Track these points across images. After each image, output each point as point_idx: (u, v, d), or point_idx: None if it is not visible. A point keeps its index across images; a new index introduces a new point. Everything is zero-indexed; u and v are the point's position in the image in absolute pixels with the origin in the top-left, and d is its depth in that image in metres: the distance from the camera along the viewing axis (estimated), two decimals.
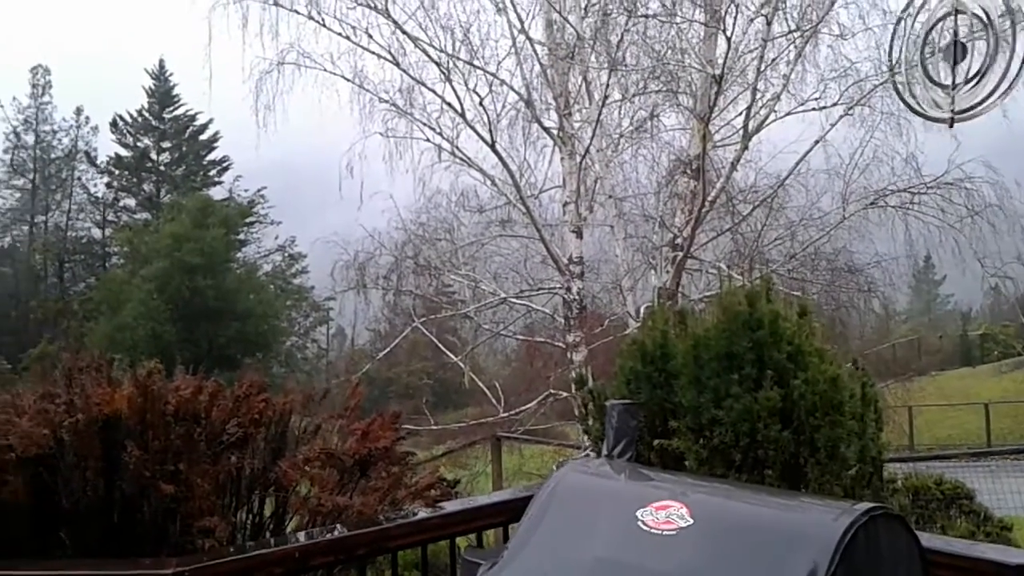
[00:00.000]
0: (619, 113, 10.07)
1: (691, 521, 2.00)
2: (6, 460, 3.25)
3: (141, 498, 3.22)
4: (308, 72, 9.55)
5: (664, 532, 2.00)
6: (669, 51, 9.38)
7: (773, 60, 9.16)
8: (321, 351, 44.03)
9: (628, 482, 2.49)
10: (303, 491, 3.52)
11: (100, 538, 3.27)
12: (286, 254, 41.52)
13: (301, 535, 3.47)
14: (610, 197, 9.38)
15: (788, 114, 9.38)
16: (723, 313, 2.91)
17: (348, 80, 9.64)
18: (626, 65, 9.26)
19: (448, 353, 12.00)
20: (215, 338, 29.91)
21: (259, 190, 40.83)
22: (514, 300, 10.64)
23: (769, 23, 8.63)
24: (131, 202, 43.98)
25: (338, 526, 3.34)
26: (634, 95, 9.67)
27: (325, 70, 9.50)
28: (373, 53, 9.48)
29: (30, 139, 41.22)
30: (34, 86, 41.00)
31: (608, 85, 8.96)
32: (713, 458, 2.78)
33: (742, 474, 2.76)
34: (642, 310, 8.76)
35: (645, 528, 2.06)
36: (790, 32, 8.95)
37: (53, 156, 41.71)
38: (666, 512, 2.05)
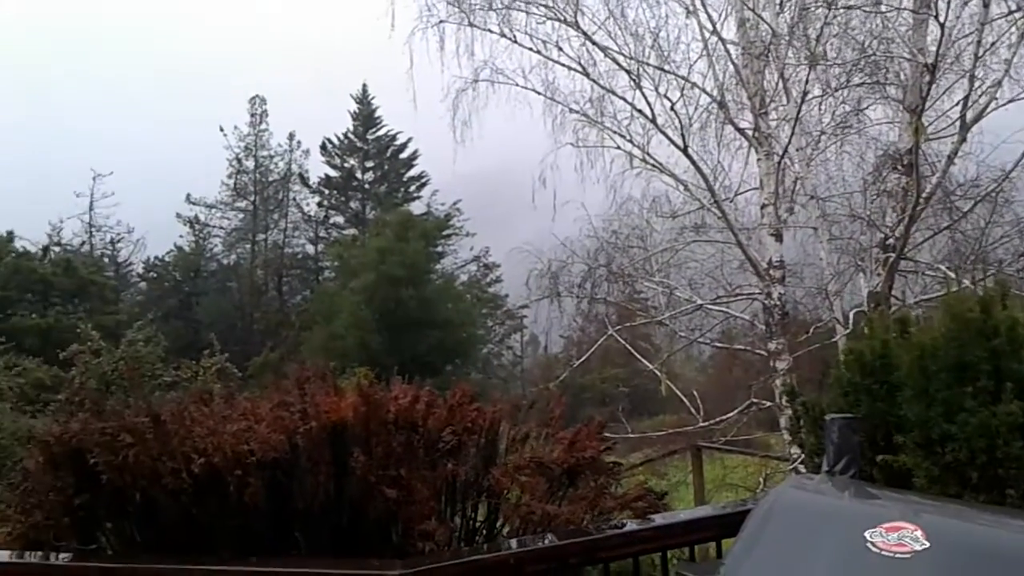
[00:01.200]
0: (819, 109, 9.63)
1: (927, 544, 1.89)
2: (247, 464, 3.56)
3: (366, 501, 3.44)
4: (501, 87, 9.82)
5: (897, 555, 1.90)
6: (874, 41, 8.87)
7: (992, 44, 8.42)
8: (516, 358, 45.00)
9: (853, 501, 2.38)
10: (513, 498, 3.62)
11: (330, 538, 3.52)
12: (481, 264, 42.88)
13: (513, 542, 3.58)
14: (812, 197, 8.98)
15: (1011, 101, 8.59)
16: (952, 320, 2.72)
17: (539, 93, 9.83)
18: (827, 59, 8.85)
19: (643, 360, 11.90)
20: (417, 346, 31.29)
21: (455, 203, 42.40)
22: (711, 306, 10.39)
23: (987, 5, 7.95)
24: (340, 219, 47.00)
25: (549, 534, 3.41)
26: (836, 89, 9.21)
27: (517, 85, 9.74)
28: (563, 65, 9.62)
29: (250, 164, 44.95)
30: (252, 115, 44.72)
31: (808, 81, 8.60)
32: (946, 476, 2.61)
33: (979, 494, 2.57)
34: (851, 316, 8.31)
35: (875, 550, 1.96)
36: (1011, 13, 8.20)
37: (271, 179, 45.25)
38: (898, 534, 1.95)
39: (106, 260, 43.10)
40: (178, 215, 44.54)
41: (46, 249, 38.32)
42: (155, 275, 45.07)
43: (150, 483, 3.62)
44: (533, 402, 4.26)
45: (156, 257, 44.91)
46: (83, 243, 42.11)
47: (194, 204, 44.73)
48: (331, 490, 3.45)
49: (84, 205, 41.49)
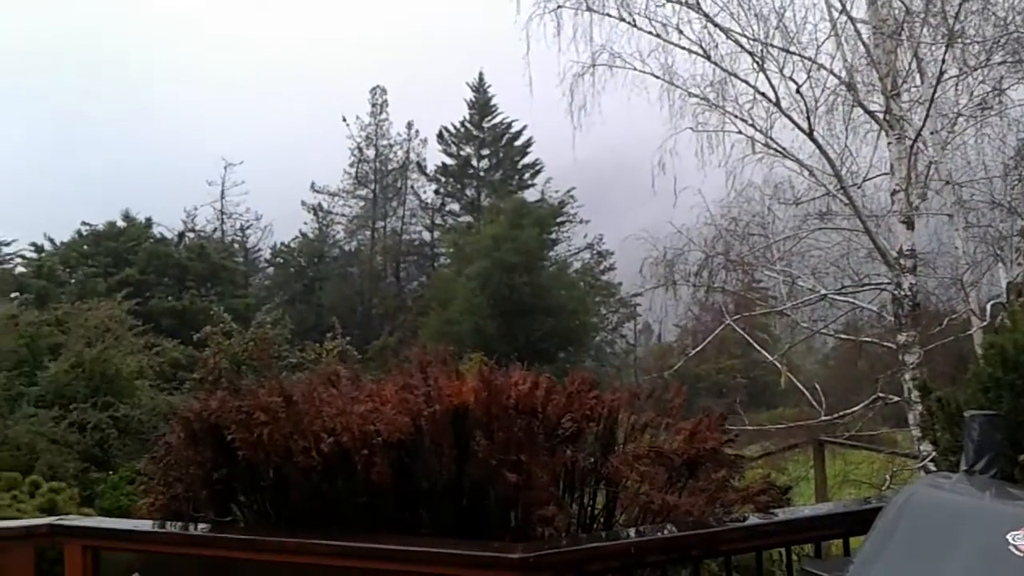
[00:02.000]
0: (956, 90, 9.12)
1: None
2: (374, 444, 3.68)
3: (487, 485, 3.50)
4: (618, 72, 9.72)
5: None
6: (1017, 17, 8.35)
7: None
8: (629, 346, 44.69)
9: (994, 501, 2.27)
10: (632, 487, 3.62)
11: (453, 519, 3.60)
12: (594, 252, 42.75)
13: (631, 531, 3.58)
14: (947, 183, 8.54)
15: None
16: None
17: (657, 77, 9.68)
18: (965, 37, 8.37)
19: (762, 351, 11.62)
20: (531, 333, 31.50)
21: (568, 191, 42.36)
22: (835, 296, 10.03)
23: None
24: (456, 206, 47.74)
25: (669, 525, 3.39)
26: (975, 69, 8.71)
27: (635, 69, 9.62)
28: (683, 48, 9.43)
29: (371, 153, 46.18)
30: (373, 105, 45.88)
31: (944, 60, 8.16)
32: None
33: None
34: (988, 308, 7.88)
35: (1019, 554, 1.88)
36: None
37: (390, 168, 46.38)
38: None
39: (236, 246, 45.14)
40: (303, 203, 46.29)
41: (181, 235, 40.50)
42: (281, 260, 46.96)
43: (282, 460, 3.79)
44: (652, 391, 4.23)
45: (282, 243, 46.83)
46: (215, 230, 44.26)
47: (318, 192, 46.36)
48: (453, 472, 3.53)
49: (216, 193, 43.57)
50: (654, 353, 34.89)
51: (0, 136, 48.58)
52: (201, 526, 3.98)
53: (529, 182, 45.69)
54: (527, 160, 46.32)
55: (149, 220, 38.53)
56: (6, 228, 40.61)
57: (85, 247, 36.80)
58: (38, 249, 37.51)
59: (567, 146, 10.36)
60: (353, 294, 43.75)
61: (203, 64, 52.49)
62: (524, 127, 45.02)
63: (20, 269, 36.53)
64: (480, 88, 46.20)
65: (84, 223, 37.96)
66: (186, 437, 4.01)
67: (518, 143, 46.18)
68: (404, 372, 4.25)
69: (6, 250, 41.95)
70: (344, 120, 45.08)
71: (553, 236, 39.76)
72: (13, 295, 25.11)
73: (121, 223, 37.85)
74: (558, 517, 3.32)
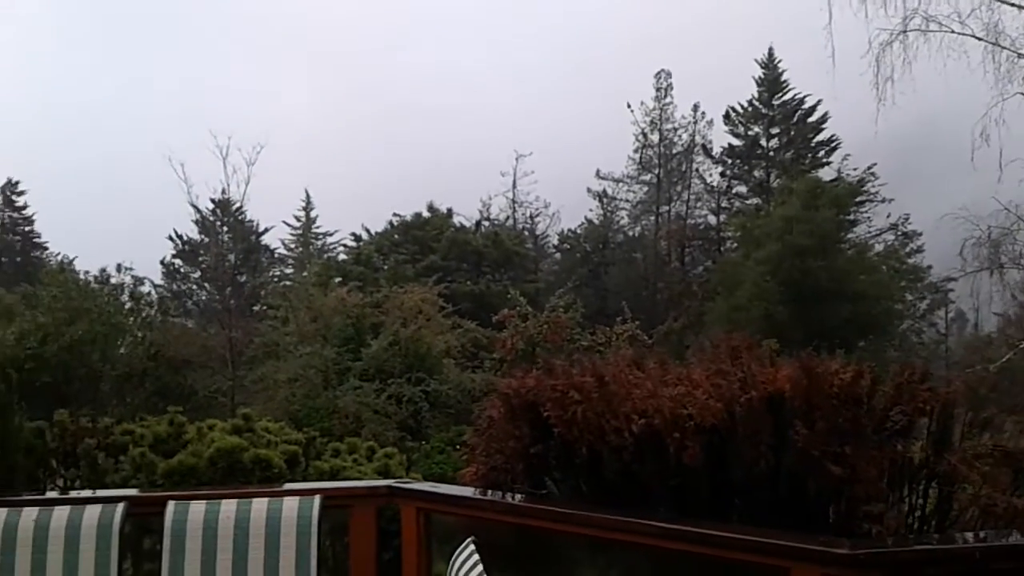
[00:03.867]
0: None
1: None
2: (686, 428, 3.69)
3: (806, 476, 3.37)
4: (932, 37, 8.89)
5: None
6: None
7: None
8: (939, 336, 40.74)
9: None
10: (972, 488, 3.31)
11: (767, 510, 3.51)
12: (899, 233, 39.38)
13: (969, 535, 3.28)
14: None
15: None
16: None
17: (980, 39, 8.74)
18: None
19: None
20: (826, 319, 29.75)
21: (868, 167, 39.30)
22: None
23: None
24: (743, 189, 46.23)
25: (1015, 532, 3.07)
26: None
27: (952, 31, 8.75)
28: (1012, 5, 8.42)
29: (655, 138, 45.97)
30: (658, 89, 45.57)
31: None
32: None
33: None
34: None
35: None
36: None
37: (674, 151, 45.92)
38: None
39: (526, 233, 47.15)
40: (588, 190, 47.24)
41: (478, 224, 43.08)
42: (568, 246, 48.32)
43: (595, 439, 3.92)
44: (994, 384, 3.83)
45: (569, 229, 48.15)
46: (507, 218, 46.53)
47: (602, 179, 47.06)
48: (772, 461, 3.44)
49: (508, 183, 45.75)
50: (969, 344, 31.56)
51: (325, 135, 54.53)
52: (518, 496, 4.22)
53: (824, 160, 43.03)
54: (821, 137, 43.65)
55: (450, 210, 41.48)
56: (331, 221, 45.80)
57: (396, 236, 40.38)
58: (356, 239, 41.93)
59: (868, 120, 9.71)
60: (638, 279, 43.95)
61: (493, 59, 55.39)
62: (818, 102, 42.43)
63: (342, 256, 41.08)
64: (769, 64, 44.26)
65: (395, 214, 41.70)
66: (506, 412, 4.28)
67: (811, 119, 43.65)
68: (713, 357, 4.21)
69: (330, 240, 47.31)
70: (628, 106, 45.28)
71: (851, 217, 37.14)
72: (337, 279, 28.23)
73: (426, 214, 41.09)
74: (888, 515, 3.12)
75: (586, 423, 3.89)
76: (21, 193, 47.87)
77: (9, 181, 47.34)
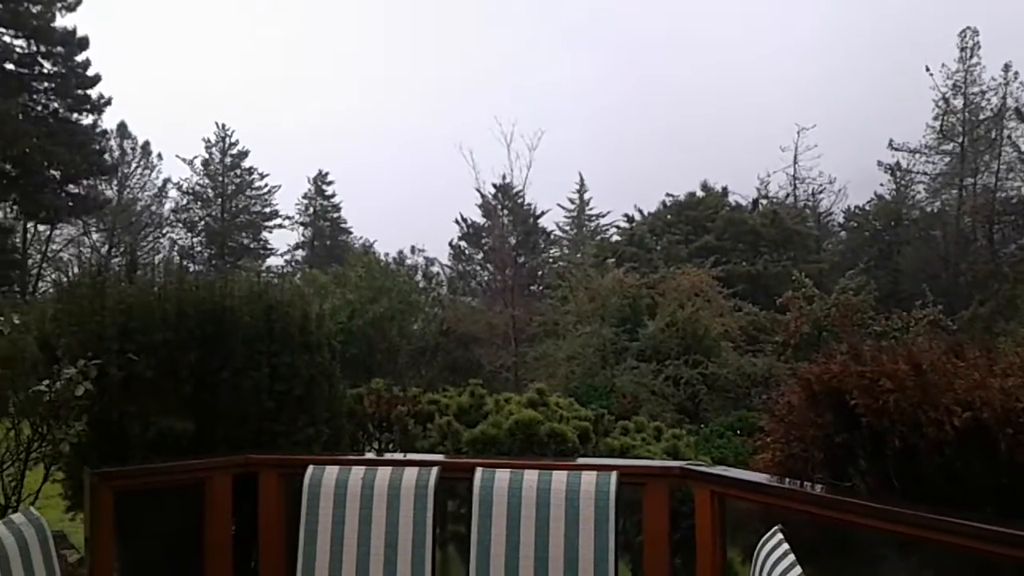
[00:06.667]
0: None
1: None
2: (1021, 422, 3.32)
3: None
4: None
5: None
6: None
7: None
8: None
9: None
10: None
11: None
12: None
13: None
14: None
15: None
16: None
17: None
18: None
19: None
20: None
21: None
22: None
23: None
24: None
25: None
26: None
27: None
28: None
29: (958, 103, 41.65)
30: (962, 50, 41.19)
31: None
32: None
33: None
34: None
35: None
36: None
37: (981, 117, 41.30)
38: None
39: (808, 211, 44.78)
40: (879, 163, 43.92)
41: (755, 202, 41.59)
42: (855, 224, 45.29)
43: (909, 430, 3.64)
44: None
45: (856, 206, 45.12)
46: (787, 195, 44.49)
47: (896, 150, 43.49)
48: None
49: (788, 159, 43.67)
50: None
51: (597, 117, 55.24)
52: (818, 487, 4.02)
53: None
54: None
55: (725, 189, 40.44)
56: (604, 202, 46.46)
57: (668, 216, 40.06)
58: (629, 220, 42.11)
59: None
60: (936, 259, 40.19)
61: (770, 25, 52.91)
62: None
63: (615, 237, 41.53)
64: None
65: (668, 194, 41.39)
66: (806, 398, 4.09)
67: None
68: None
69: (603, 221, 48.00)
70: (927, 69, 41.35)
71: None
72: (609, 260, 28.61)
73: (700, 193, 40.36)
74: None
75: (899, 413, 3.63)
76: (330, 183, 53.26)
77: (320, 172, 52.91)
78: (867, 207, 44.74)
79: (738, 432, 11.79)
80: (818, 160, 43.15)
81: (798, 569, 2.28)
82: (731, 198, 40.56)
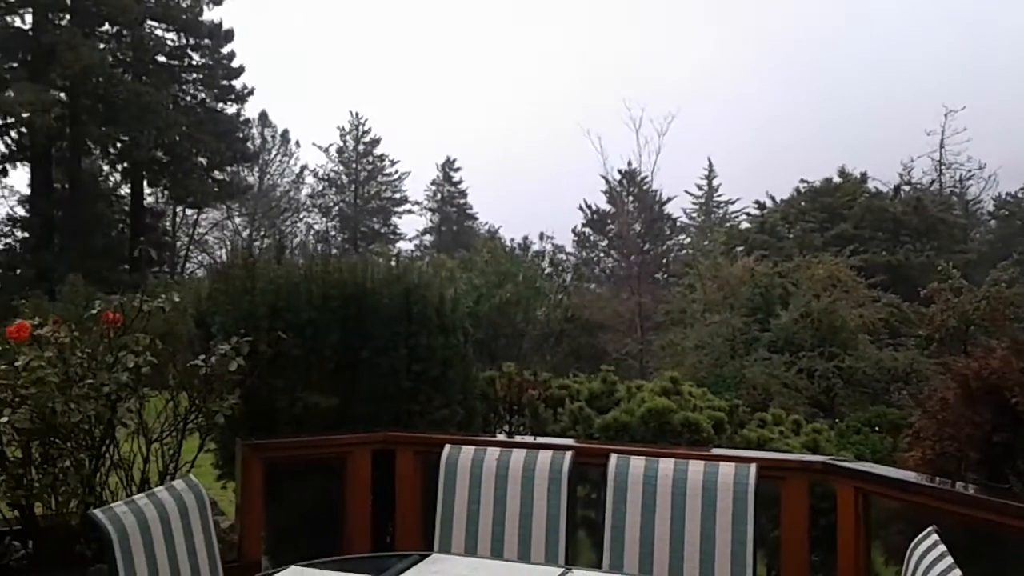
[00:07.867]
0: None
1: None
2: None
3: None
4: None
5: None
6: None
7: None
8: None
9: None
10: None
11: None
12: None
13: None
14: None
15: None
16: None
17: None
18: None
19: None
20: None
21: None
22: None
23: None
24: None
25: None
26: None
27: None
28: None
29: None
30: None
31: None
32: None
33: None
34: None
35: None
36: None
37: None
38: None
39: (954, 198, 42.20)
40: None
41: (897, 189, 39.48)
42: (1006, 212, 42.42)
43: None
44: None
45: (1008, 193, 42.20)
46: (932, 181, 42.00)
47: None
48: None
49: (934, 143, 41.22)
50: None
51: (727, 102, 53.77)
52: (971, 487, 3.81)
53: None
54: None
55: (864, 175, 38.52)
56: (733, 189, 45.30)
57: (802, 203, 38.54)
58: (760, 206, 40.85)
59: None
60: None
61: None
62: None
63: (745, 225, 40.42)
64: None
65: (802, 180, 39.82)
66: (962, 395, 3.89)
67: None
68: None
69: (732, 208, 46.81)
70: None
71: None
72: (739, 248, 27.87)
73: (837, 179, 38.65)
74: None
75: None
76: (457, 169, 54.14)
77: (447, 159, 53.85)
78: (1020, 194, 41.79)
79: (876, 428, 11.29)
80: (967, 144, 40.45)
81: (958, 572, 2.18)
82: (870, 184, 38.58)
